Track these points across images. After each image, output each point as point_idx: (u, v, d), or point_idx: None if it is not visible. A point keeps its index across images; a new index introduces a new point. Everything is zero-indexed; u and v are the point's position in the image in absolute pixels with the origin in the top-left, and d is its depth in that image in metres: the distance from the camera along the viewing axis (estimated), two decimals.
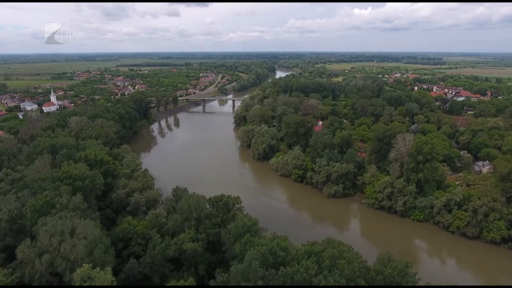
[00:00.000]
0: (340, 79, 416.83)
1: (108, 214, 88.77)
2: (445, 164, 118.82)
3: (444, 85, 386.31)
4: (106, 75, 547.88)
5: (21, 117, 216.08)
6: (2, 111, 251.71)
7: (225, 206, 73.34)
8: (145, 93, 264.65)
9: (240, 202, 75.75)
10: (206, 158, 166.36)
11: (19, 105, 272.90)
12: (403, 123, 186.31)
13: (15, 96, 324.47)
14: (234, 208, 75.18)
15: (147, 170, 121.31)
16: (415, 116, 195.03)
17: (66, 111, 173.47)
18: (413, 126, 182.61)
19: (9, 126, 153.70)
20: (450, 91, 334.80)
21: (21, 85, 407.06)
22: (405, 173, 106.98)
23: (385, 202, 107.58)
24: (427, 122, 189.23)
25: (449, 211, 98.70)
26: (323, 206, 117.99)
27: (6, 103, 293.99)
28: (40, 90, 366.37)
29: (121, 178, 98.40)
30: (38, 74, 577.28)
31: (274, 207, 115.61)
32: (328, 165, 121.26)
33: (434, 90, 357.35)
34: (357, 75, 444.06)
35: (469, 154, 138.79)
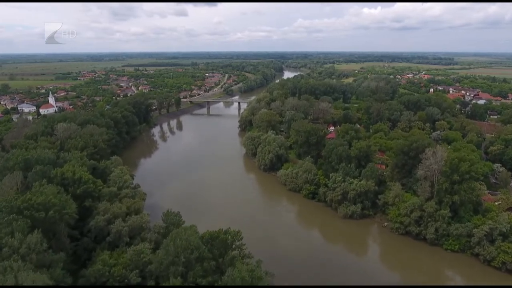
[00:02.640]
0: (350, 80, 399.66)
1: (85, 244, 75.04)
2: (481, 182, 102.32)
3: (460, 87, 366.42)
4: (111, 75, 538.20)
5: (15, 120, 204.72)
6: None
7: (222, 245, 58.94)
8: (146, 95, 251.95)
9: (241, 238, 61.43)
10: (207, 168, 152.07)
11: (17, 107, 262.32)
12: (423, 129, 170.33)
13: (15, 97, 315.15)
14: (234, 246, 60.63)
15: (138, 186, 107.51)
16: (436, 122, 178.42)
17: (54, 116, 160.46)
18: (434, 134, 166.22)
19: None
20: (468, 93, 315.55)
21: (25, 85, 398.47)
22: (436, 194, 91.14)
23: (412, 227, 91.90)
24: (450, 128, 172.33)
25: (492, 242, 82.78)
26: (338, 228, 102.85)
27: (5, 104, 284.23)
28: (42, 91, 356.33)
29: (103, 200, 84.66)
30: (44, 74, 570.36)
31: (282, 229, 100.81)
32: (344, 181, 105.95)
33: (451, 92, 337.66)
34: (368, 76, 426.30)
35: (504, 168, 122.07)
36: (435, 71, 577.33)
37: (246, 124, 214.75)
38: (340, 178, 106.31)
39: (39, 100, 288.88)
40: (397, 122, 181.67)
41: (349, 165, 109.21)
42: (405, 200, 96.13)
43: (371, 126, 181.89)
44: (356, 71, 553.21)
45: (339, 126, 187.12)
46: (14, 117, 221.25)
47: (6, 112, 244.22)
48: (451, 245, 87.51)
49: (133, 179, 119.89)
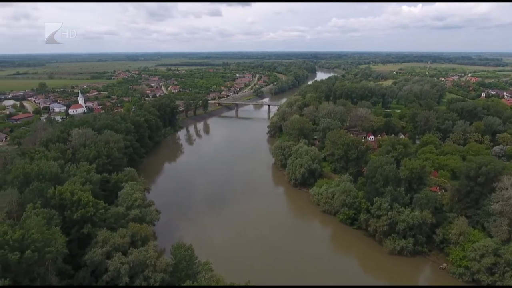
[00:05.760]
0: (389, 82, 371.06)
1: (80, 280, 63.51)
2: None
3: None
4: (143, 75, 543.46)
5: (43, 120, 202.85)
6: (29, 113, 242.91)
7: None
8: (173, 96, 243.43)
9: None
10: (232, 178, 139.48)
11: (49, 107, 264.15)
12: (481, 142, 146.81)
13: (49, 96, 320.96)
14: None
15: (151, 203, 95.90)
16: (497, 134, 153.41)
17: (71, 121, 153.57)
18: (496, 148, 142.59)
19: (14, 135, 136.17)
20: None
21: (61, 84, 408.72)
22: None
23: (483, 275, 72.23)
24: None
25: None
26: (383, 266, 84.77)
27: (39, 103, 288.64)
28: (76, 90, 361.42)
29: (108, 221, 73.18)
30: (81, 73, 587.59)
31: (313, 261, 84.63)
32: (391, 208, 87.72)
33: (505, 97, 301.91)
34: (409, 78, 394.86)
35: None
36: (483, 73, 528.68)
37: (275, 130, 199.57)
38: (386, 205, 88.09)
39: (71, 99, 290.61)
40: (448, 133, 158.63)
41: (397, 188, 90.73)
42: (473, 240, 76.50)
43: (417, 136, 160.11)
44: (394, 72, 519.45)
45: (380, 135, 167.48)
46: (43, 117, 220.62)
47: (37, 111, 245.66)
48: None
49: (148, 193, 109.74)
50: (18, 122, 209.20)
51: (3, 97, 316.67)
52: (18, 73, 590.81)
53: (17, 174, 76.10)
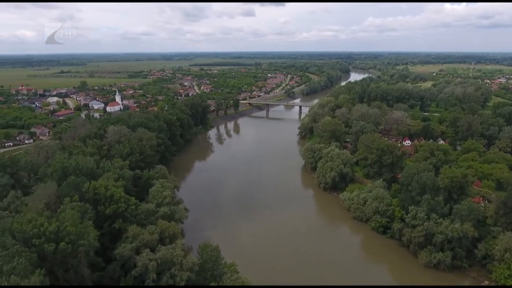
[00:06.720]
0: (429, 84, 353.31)
1: (111, 273, 65.31)
2: None
3: None
4: (177, 74, 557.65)
5: (83, 116, 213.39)
6: (70, 109, 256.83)
7: None
8: (205, 96, 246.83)
9: None
10: (261, 179, 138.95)
11: (88, 104, 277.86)
12: None
13: (89, 94, 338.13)
14: None
15: (180, 201, 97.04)
16: None
17: (108, 118, 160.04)
18: None
19: (56, 131, 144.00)
20: None
21: (100, 83, 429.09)
22: None
23: None
24: None
25: None
26: (418, 279, 79.78)
27: (80, 100, 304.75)
28: (114, 88, 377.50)
29: (139, 217, 74.86)
30: (119, 72, 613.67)
31: (340, 270, 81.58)
32: (428, 218, 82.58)
33: None
34: (450, 79, 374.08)
35: None
36: None
37: (306, 132, 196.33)
38: (423, 215, 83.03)
39: (109, 97, 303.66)
40: (494, 140, 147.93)
41: (435, 198, 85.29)
42: None
43: (458, 142, 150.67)
44: (434, 74, 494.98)
45: (417, 140, 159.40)
46: (83, 113, 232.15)
47: (78, 108, 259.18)
48: None
49: (177, 191, 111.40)
50: (60, 118, 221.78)
51: (48, 94, 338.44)
52: (62, 72, 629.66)
53: (56, 168, 79.93)
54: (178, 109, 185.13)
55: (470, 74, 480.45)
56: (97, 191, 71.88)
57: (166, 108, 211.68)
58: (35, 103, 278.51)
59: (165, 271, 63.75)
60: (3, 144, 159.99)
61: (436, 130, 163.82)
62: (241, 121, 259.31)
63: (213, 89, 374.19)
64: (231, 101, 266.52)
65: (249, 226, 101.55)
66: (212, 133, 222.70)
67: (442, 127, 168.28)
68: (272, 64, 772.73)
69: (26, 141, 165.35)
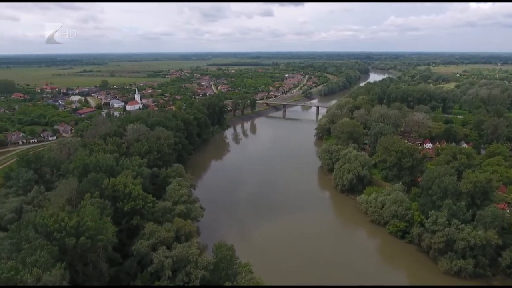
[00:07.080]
0: (452, 85, 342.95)
1: (128, 269, 66.52)
2: None
3: None
4: (195, 74, 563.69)
5: (103, 115, 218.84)
6: (92, 107, 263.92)
7: None
8: (222, 95, 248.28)
9: None
10: (277, 179, 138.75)
11: (109, 103, 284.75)
12: None
13: (110, 93, 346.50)
14: None
15: (197, 199, 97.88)
16: None
17: (127, 116, 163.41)
18: None
19: (78, 128, 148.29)
20: None
21: (120, 82, 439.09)
22: None
23: None
24: None
25: None
26: (436, 285, 77.66)
27: (101, 99, 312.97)
28: (133, 88, 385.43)
29: (156, 214, 75.96)
30: (138, 72, 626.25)
31: (357, 277, 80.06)
32: (449, 224, 80.00)
33: None
34: (475, 81, 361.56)
35: None
36: None
37: (323, 133, 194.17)
38: (443, 220, 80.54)
39: (128, 96, 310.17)
40: None
41: (457, 203, 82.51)
42: None
43: (483, 146, 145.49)
44: (458, 75, 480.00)
45: (439, 143, 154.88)
46: (104, 112, 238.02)
47: (99, 107, 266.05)
48: None
49: (194, 189, 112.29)
50: (82, 116, 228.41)
51: (71, 92, 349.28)
52: (84, 71, 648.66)
53: (77, 164, 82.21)
54: (196, 108, 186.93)
55: (496, 75, 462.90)
56: (116, 188, 73.45)
57: (183, 107, 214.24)
58: (59, 101, 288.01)
59: (181, 268, 64.43)
60: (28, 141, 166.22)
61: (459, 133, 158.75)
62: (258, 121, 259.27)
63: (230, 89, 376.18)
64: (248, 101, 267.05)
65: (264, 226, 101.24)
66: (228, 132, 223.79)
67: (466, 130, 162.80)
68: (290, 64, 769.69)
69: (50, 138, 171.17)
